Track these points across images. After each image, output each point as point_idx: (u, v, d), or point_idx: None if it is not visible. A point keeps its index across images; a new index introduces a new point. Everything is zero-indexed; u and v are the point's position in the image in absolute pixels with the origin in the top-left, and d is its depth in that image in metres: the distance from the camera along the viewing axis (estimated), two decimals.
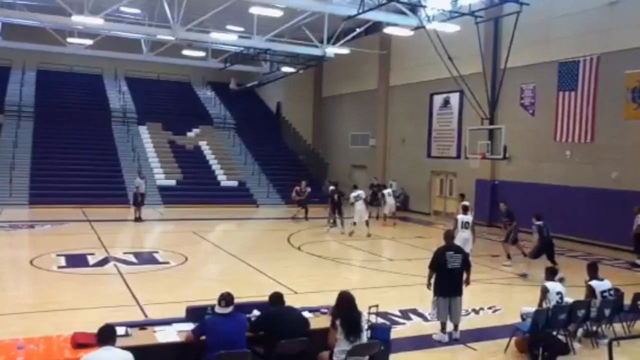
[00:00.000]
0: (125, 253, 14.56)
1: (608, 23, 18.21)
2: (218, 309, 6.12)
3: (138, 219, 20.76)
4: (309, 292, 10.86)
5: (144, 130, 32.44)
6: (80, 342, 5.70)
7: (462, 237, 13.37)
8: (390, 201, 21.95)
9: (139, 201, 20.92)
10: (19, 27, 27.10)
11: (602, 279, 8.79)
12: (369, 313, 7.02)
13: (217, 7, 22.32)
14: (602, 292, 8.60)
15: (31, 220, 20.42)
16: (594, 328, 8.52)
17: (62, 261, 13.36)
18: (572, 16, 19.42)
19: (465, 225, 14.01)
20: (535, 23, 19.80)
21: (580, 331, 8.48)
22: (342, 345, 6.00)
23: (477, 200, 23.08)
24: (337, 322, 6.07)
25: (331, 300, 7.31)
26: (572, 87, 19.30)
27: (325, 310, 7.28)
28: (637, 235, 15.32)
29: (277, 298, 6.60)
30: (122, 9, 24.98)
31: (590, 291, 8.62)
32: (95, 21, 21.77)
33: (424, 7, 20.23)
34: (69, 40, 28.71)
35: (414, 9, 21.79)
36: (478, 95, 20.83)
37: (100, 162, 28.01)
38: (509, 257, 14.30)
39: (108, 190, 26.09)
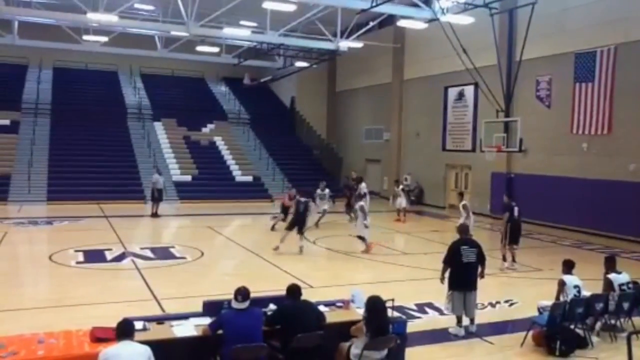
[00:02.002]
0: (142, 248, 14.70)
1: (625, 12, 17.94)
2: (234, 304, 6.15)
3: (154, 215, 20.89)
4: (325, 287, 10.86)
5: (159, 126, 32.64)
6: (99, 337, 5.77)
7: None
8: (401, 198, 21.80)
9: (155, 196, 21.08)
10: (35, 26, 27.37)
11: (620, 272, 8.71)
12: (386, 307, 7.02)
13: (231, 3, 22.36)
14: (621, 285, 8.52)
15: (49, 216, 20.67)
16: (613, 321, 8.44)
17: (80, 257, 13.51)
18: (588, 6, 19.17)
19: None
20: (551, 14, 19.59)
21: (598, 325, 8.41)
22: (361, 343, 6.03)
23: (493, 193, 22.97)
24: (367, 327, 6.05)
25: (346, 294, 7.34)
26: (589, 78, 19.09)
27: (341, 304, 7.30)
28: None
29: (294, 290, 6.62)
30: (137, 5, 25.15)
31: (608, 284, 8.54)
32: (110, 18, 21.92)
33: None
34: (85, 37, 28.94)
35: (427, 1, 21.65)
36: (493, 87, 20.69)
37: (117, 158, 28.23)
38: (504, 259, 13.22)
39: (124, 186, 26.29)
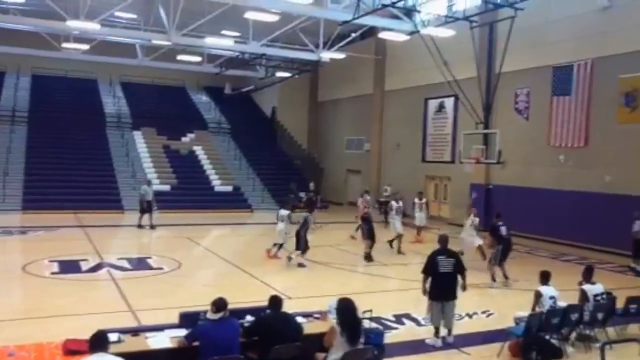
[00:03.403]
0: (118, 259, 14.51)
1: (602, 28, 18.30)
2: (211, 315, 6.11)
3: (141, 226, 20.38)
4: (303, 297, 10.84)
5: (138, 135, 32.38)
6: (72, 349, 5.68)
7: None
8: (421, 212, 19.28)
9: (144, 208, 20.70)
10: (13, 32, 27.04)
11: (594, 283, 8.82)
12: (363, 318, 7.01)
13: (213, 12, 22.32)
14: (595, 295, 8.63)
15: (24, 226, 20.32)
16: (587, 332, 8.53)
17: (55, 267, 13.30)
18: (566, 21, 19.52)
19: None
20: (530, 28, 19.88)
21: (573, 335, 8.49)
22: (340, 351, 6.00)
23: (472, 204, 23.12)
24: (340, 328, 6.06)
25: (325, 305, 7.32)
26: (566, 91, 19.40)
27: (319, 316, 7.28)
28: (637, 241, 15.13)
29: (275, 302, 6.57)
30: (118, 14, 24.98)
31: (583, 295, 8.64)
32: (90, 26, 21.74)
33: (419, 12, 20.31)
34: (64, 45, 28.67)
35: (409, 14, 21.86)
36: (473, 99, 20.91)
37: (95, 167, 27.91)
38: (493, 279, 12.87)
39: (102, 195, 25.99)
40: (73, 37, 28.11)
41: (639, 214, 15.17)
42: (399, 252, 16.63)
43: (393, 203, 18.04)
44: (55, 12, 21.86)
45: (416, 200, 19.08)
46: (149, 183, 21.86)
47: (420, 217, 19.00)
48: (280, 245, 15.05)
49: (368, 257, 15.16)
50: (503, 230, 13.24)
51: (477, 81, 21.21)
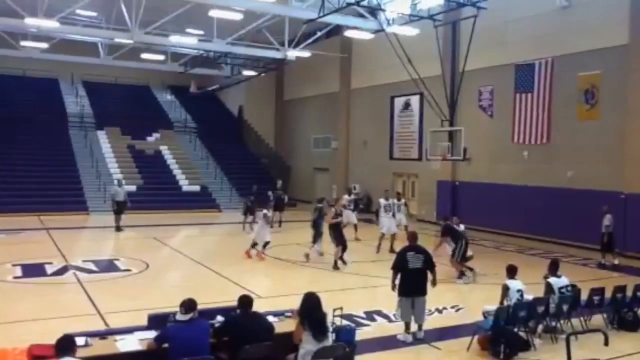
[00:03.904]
0: (84, 261, 14.24)
1: (561, 26, 18.73)
2: (180, 316, 6.05)
3: (118, 228, 19.94)
4: (274, 296, 10.81)
5: (102, 135, 31.81)
6: (37, 355, 5.55)
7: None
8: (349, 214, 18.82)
9: (114, 209, 20.19)
10: None
11: (559, 276, 9.02)
12: (334, 315, 7.04)
13: (176, 10, 22.07)
14: (560, 288, 8.83)
15: None
16: (553, 324, 8.73)
17: (18, 271, 12.98)
18: (527, 20, 19.90)
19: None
20: (492, 26, 20.22)
21: (540, 327, 8.67)
22: (308, 346, 6.02)
23: (439, 200, 23.47)
24: (305, 322, 6.08)
25: (295, 303, 7.30)
26: (528, 89, 19.77)
27: (290, 314, 7.26)
28: (608, 236, 15.31)
29: (245, 301, 6.52)
30: (78, 11, 24.46)
31: (549, 288, 8.84)
32: (49, 24, 21.23)
33: (384, 10, 20.45)
34: (23, 43, 27.96)
35: (373, 12, 21.98)
36: (438, 97, 21.15)
37: (58, 168, 27.32)
38: (461, 274, 12.98)
39: (66, 197, 25.44)
40: (31, 35, 27.42)
41: (608, 209, 15.47)
42: (392, 250, 15.73)
43: (382, 200, 17.55)
44: (12, 9, 21.25)
45: (395, 201, 17.93)
46: (119, 183, 21.48)
47: (398, 219, 17.61)
48: (256, 244, 15.26)
49: (336, 265, 14.15)
50: (462, 227, 13.84)
51: (442, 79, 21.46)
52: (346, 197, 19.51)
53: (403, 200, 18.65)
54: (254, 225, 19.48)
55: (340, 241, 14.54)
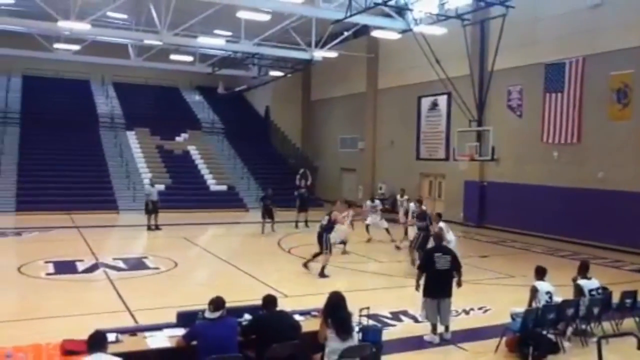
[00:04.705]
0: (114, 259, 14.47)
1: (592, 25, 18.39)
2: (208, 314, 6.11)
3: (150, 227, 20.16)
4: (300, 295, 10.84)
5: (131, 136, 32.30)
6: (70, 349, 5.67)
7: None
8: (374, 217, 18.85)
9: (149, 209, 20.43)
10: (4, 33, 26.90)
11: (590, 278, 8.88)
12: (360, 315, 7.04)
13: (205, 12, 22.27)
14: (590, 290, 8.69)
15: (18, 227, 20.22)
16: (583, 326, 8.59)
17: (51, 268, 13.26)
18: (557, 18, 19.60)
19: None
20: (522, 25, 19.95)
21: (569, 330, 8.54)
22: (333, 344, 6.04)
23: (466, 201, 23.25)
24: (329, 321, 6.10)
25: (322, 303, 7.33)
26: (558, 88, 19.48)
27: (316, 313, 7.28)
28: None
29: (269, 300, 6.59)
30: (109, 14, 24.87)
31: (579, 290, 8.70)
32: (82, 26, 21.64)
33: (411, 10, 20.32)
34: (56, 45, 28.55)
35: (401, 12, 21.87)
36: (466, 97, 20.95)
37: (88, 168, 27.83)
38: (413, 263, 13.18)
39: (96, 196, 25.91)
40: (64, 37, 28.00)
41: None
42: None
43: (412, 205, 17.47)
44: (46, 12, 21.73)
45: (398, 197, 18.95)
46: (152, 183, 21.86)
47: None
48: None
49: (322, 273, 13.01)
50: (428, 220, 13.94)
51: (470, 79, 21.24)
52: (368, 202, 19.24)
53: (406, 197, 19.57)
54: (275, 226, 19.92)
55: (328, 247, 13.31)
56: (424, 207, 15.37)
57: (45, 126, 29.85)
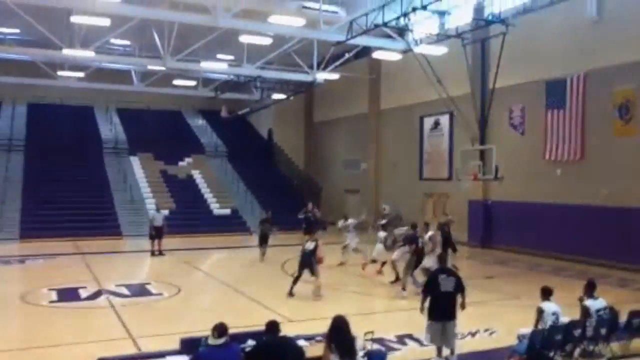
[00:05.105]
0: (117, 285, 14.40)
1: (593, 40, 18.46)
2: (211, 340, 6.06)
3: (154, 253, 19.99)
4: (304, 320, 10.75)
5: (135, 161, 32.42)
6: None
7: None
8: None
9: (152, 234, 20.24)
10: (9, 62, 27.21)
11: (596, 298, 8.77)
12: (365, 340, 6.97)
13: (207, 37, 22.51)
14: (597, 311, 8.57)
15: (22, 254, 20.19)
16: (591, 347, 8.46)
17: (54, 295, 13.22)
18: (557, 35, 19.68)
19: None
20: (522, 43, 20.02)
21: (577, 351, 8.41)
22: None
23: (470, 221, 23.11)
24: (332, 346, 6.04)
25: (326, 327, 7.26)
26: (560, 105, 19.50)
27: (320, 339, 7.21)
28: None
29: (273, 326, 6.53)
30: (113, 40, 25.16)
31: (585, 311, 8.58)
32: (85, 54, 21.91)
33: (412, 31, 20.47)
34: (60, 73, 28.86)
35: (401, 33, 22.02)
36: (468, 116, 21.03)
37: (92, 193, 27.90)
38: (403, 288, 13.16)
39: (100, 222, 25.91)
40: (68, 65, 28.31)
41: None
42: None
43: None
44: (50, 40, 22.01)
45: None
46: (158, 209, 21.88)
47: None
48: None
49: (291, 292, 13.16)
50: (420, 242, 13.74)
51: (472, 97, 21.33)
52: (341, 222, 18.66)
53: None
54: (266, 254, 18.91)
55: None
56: (421, 232, 14.55)
57: (49, 153, 30.01)
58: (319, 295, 12.90)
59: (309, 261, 13.10)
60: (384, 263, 15.56)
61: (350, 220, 18.56)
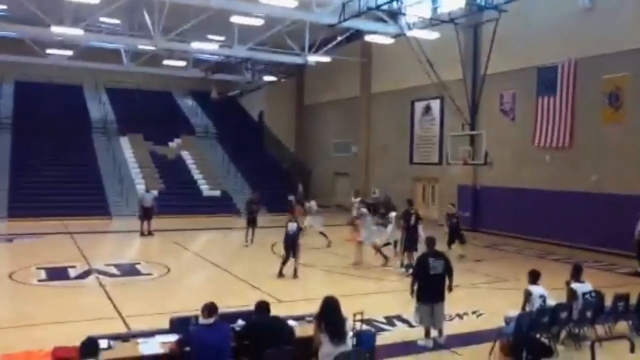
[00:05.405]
0: (107, 265, 14.39)
1: (585, 29, 18.48)
2: (202, 320, 6.08)
3: (143, 233, 19.98)
4: (294, 301, 10.83)
5: (124, 141, 32.21)
6: (61, 357, 5.63)
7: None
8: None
9: (141, 215, 20.24)
10: None
11: (583, 281, 8.89)
12: (354, 320, 7.03)
13: (198, 17, 22.27)
14: (584, 294, 8.70)
15: (10, 233, 20.05)
16: (577, 330, 8.60)
17: (43, 274, 13.17)
18: (549, 22, 19.68)
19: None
20: (514, 29, 20.01)
21: (563, 333, 8.55)
22: (326, 349, 6.04)
23: (460, 205, 23.19)
24: (322, 325, 6.09)
25: (316, 308, 7.31)
26: (551, 92, 19.55)
27: (310, 319, 7.26)
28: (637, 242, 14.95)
29: (262, 306, 6.58)
30: (102, 19, 24.83)
31: (572, 293, 8.71)
32: (74, 32, 21.57)
33: (404, 14, 20.40)
34: (48, 51, 28.46)
35: (394, 16, 21.94)
36: (459, 101, 21.04)
37: (81, 173, 27.72)
38: (402, 264, 13.91)
39: (89, 202, 25.78)
40: (57, 43, 27.91)
41: None
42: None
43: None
44: (38, 18, 21.66)
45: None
46: (147, 189, 21.78)
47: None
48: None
49: (280, 273, 13.39)
50: (413, 219, 14.05)
51: (463, 83, 21.33)
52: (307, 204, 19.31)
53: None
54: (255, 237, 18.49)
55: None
56: (412, 210, 14.72)
57: (37, 132, 29.70)
58: (297, 276, 13.24)
59: (293, 242, 13.39)
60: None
61: (312, 202, 18.94)
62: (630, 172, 17.14)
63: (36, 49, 27.58)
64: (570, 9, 18.87)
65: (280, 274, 13.25)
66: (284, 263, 13.37)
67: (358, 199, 19.15)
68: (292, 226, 13.59)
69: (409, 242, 13.90)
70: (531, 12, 20.19)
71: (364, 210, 15.81)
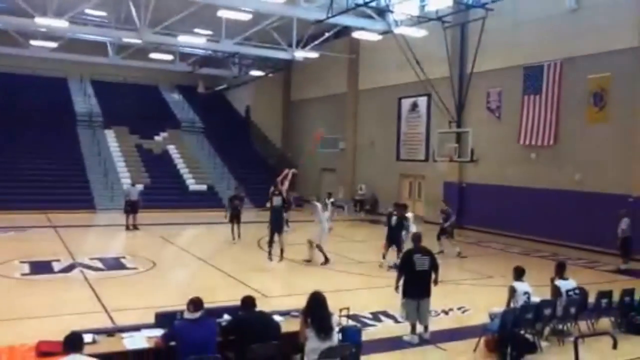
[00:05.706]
0: (91, 259, 14.28)
1: (570, 29, 18.63)
2: (187, 314, 6.07)
3: (128, 227, 19.88)
4: (280, 296, 10.83)
5: (110, 134, 31.95)
6: (45, 351, 5.58)
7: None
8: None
9: (127, 209, 20.10)
10: None
11: (567, 278, 8.99)
12: (340, 316, 7.04)
13: (185, 10, 22.14)
14: (568, 291, 8.79)
15: None
16: (560, 326, 8.69)
17: (26, 268, 13.04)
18: (536, 22, 19.80)
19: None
20: (501, 28, 20.14)
21: (547, 330, 8.64)
22: (312, 344, 6.03)
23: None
24: (309, 321, 6.10)
25: (302, 303, 7.31)
26: (536, 91, 19.71)
27: (296, 314, 7.25)
28: (624, 240, 15.27)
29: (248, 301, 6.56)
30: (88, 11, 24.58)
31: (556, 290, 8.80)
32: (59, 23, 21.34)
33: (392, 12, 20.43)
34: (32, 42, 28.12)
35: (382, 13, 21.98)
36: (446, 99, 21.13)
37: (65, 166, 27.46)
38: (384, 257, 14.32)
39: (73, 195, 25.56)
40: (41, 34, 27.59)
41: (626, 212, 15.37)
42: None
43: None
44: (22, 8, 21.40)
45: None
46: (133, 183, 21.66)
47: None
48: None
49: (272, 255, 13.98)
50: (393, 220, 14.28)
51: (450, 81, 21.42)
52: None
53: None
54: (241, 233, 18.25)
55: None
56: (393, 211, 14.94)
57: (21, 124, 29.35)
58: (283, 258, 13.66)
59: (278, 218, 13.58)
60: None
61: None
62: (613, 171, 17.35)
63: (20, 40, 27.26)
64: (557, 9, 19.00)
65: (269, 255, 13.61)
66: (270, 245, 13.35)
67: (331, 200, 19.35)
68: (277, 200, 13.49)
69: (389, 241, 14.32)
70: (518, 11, 20.31)
71: (316, 203, 15.46)
